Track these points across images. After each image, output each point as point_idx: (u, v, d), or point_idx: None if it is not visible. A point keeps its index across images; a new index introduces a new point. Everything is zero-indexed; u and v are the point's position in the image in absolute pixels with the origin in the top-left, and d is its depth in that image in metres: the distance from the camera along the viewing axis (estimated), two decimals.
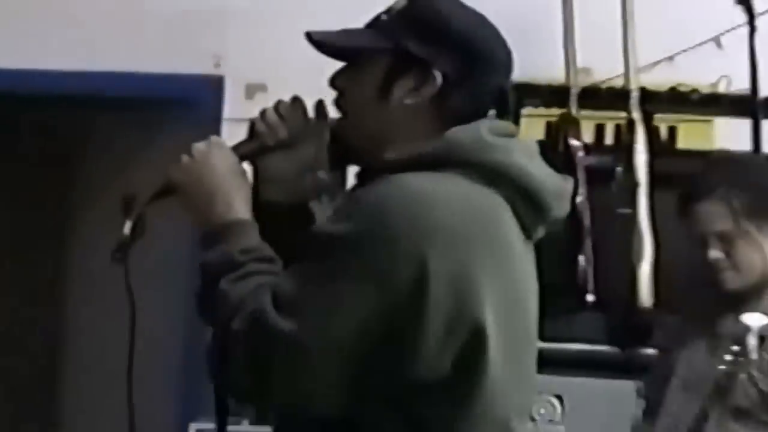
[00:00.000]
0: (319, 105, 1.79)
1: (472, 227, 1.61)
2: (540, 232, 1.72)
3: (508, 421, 1.67)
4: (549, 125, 3.30)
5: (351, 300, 1.55)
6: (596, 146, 3.21)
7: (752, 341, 2.44)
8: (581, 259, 3.03)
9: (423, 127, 1.65)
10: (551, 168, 1.71)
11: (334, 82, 1.71)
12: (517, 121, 2.96)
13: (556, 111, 3.30)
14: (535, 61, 3.12)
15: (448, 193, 1.60)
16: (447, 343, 1.57)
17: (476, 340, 1.59)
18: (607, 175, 3.08)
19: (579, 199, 3.00)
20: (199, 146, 1.74)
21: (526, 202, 1.66)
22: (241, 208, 1.70)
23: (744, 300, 2.68)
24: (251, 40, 3.93)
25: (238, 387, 1.65)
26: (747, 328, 2.47)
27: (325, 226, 1.68)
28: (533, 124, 3.34)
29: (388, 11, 1.72)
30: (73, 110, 4.58)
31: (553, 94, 3.26)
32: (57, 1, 4.26)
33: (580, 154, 3.07)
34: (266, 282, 1.59)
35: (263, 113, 1.79)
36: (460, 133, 1.63)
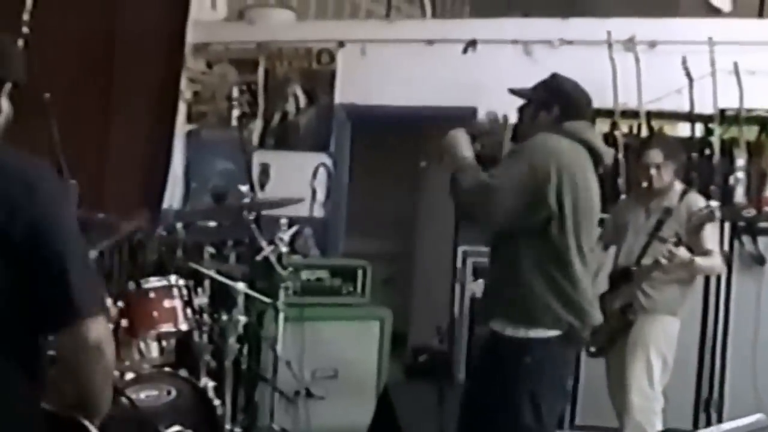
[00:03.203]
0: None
1: (569, 157, 2.87)
2: (600, 169, 3.03)
3: (571, 250, 2.87)
4: (611, 125, 5.75)
5: (515, 176, 2.78)
6: (626, 135, 5.75)
7: (671, 206, 4.11)
8: (620, 181, 5.64)
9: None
10: (604, 142, 3.21)
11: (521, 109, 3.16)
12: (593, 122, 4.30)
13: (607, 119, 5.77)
14: (603, 100, 5.37)
15: (562, 142, 2.91)
16: (549, 203, 2.79)
17: (560, 205, 2.81)
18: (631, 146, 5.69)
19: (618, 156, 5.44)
20: (452, 131, 3.05)
21: (593, 153, 2.99)
22: (468, 154, 2.99)
23: (659, 195, 4.25)
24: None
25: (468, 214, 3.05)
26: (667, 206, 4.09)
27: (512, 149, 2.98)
28: (602, 126, 5.66)
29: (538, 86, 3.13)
30: (412, 125, 6.65)
31: (607, 113, 5.75)
32: (399, 79, 6.32)
33: (620, 138, 5.75)
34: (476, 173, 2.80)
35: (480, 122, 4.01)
36: (568, 125, 3.01)
